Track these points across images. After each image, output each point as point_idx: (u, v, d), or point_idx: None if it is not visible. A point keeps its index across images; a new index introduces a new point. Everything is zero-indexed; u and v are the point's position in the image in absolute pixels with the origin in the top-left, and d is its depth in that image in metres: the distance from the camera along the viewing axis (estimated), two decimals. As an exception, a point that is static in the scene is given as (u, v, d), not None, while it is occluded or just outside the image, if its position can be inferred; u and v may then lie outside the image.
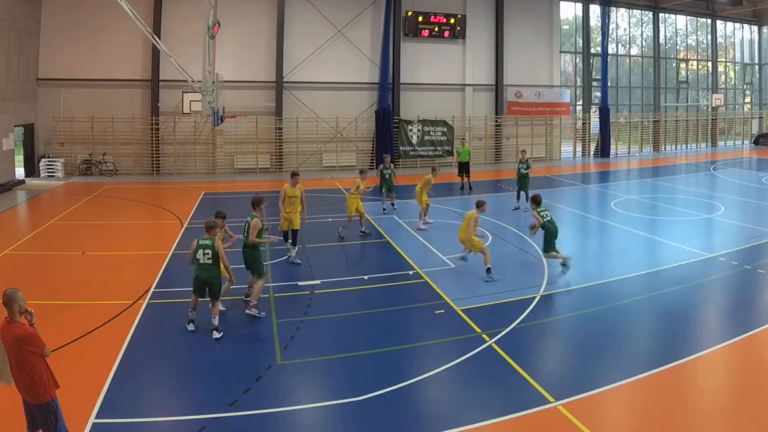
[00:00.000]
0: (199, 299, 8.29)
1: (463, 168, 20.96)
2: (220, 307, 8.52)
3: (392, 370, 7.15)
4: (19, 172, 22.50)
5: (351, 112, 26.53)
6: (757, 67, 40.19)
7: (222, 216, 9.15)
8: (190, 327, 8.25)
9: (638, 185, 22.97)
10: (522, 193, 16.92)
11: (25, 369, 4.78)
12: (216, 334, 8.03)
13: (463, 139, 24.95)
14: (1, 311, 4.93)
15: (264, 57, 25.23)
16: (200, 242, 8.18)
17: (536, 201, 11.35)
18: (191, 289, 8.29)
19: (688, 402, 6.51)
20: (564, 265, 11.01)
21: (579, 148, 32.41)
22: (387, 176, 16.68)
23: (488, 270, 10.54)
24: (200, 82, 16.26)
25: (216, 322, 8.12)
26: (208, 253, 8.08)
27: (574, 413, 6.10)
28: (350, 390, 6.64)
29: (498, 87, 29.30)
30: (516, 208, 16.91)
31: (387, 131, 26.49)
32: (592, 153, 32.42)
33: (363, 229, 14.02)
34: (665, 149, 35.34)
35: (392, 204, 16.83)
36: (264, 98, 25.30)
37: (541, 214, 10.98)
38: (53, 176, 22.70)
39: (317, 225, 14.54)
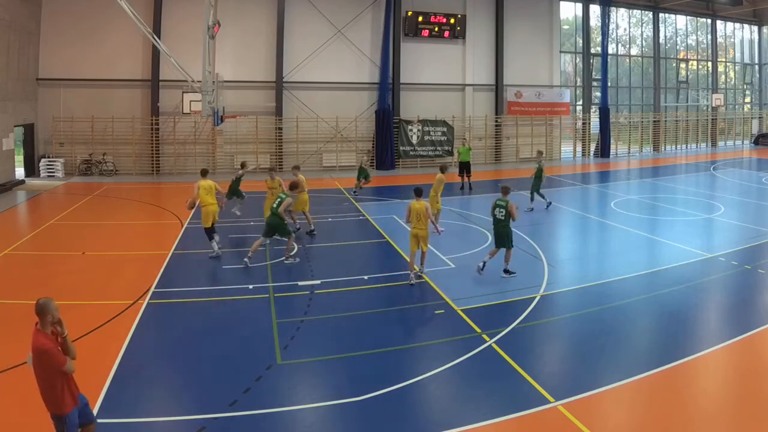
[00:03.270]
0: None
1: (464, 168, 20.99)
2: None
3: (392, 370, 7.15)
4: (19, 172, 22.49)
5: (351, 112, 26.53)
6: (757, 67, 40.19)
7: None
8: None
9: (638, 185, 22.96)
10: (534, 193, 17.19)
11: (41, 378, 4.77)
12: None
13: (465, 139, 24.93)
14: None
15: (264, 57, 25.22)
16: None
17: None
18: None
19: (688, 402, 6.51)
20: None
21: (579, 148, 32.41)
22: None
23: None
24: (200, 82, 16.26)
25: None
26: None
27: (574, 413, 6.10)
28: (350, 390, 6.63)
29: (498, 87, 29.29)
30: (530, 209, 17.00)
31: (387, 131, 26.50)
32: (592, 153, 32.40)
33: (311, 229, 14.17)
34: (665, 149, 35.32)
35: None
36: (264, 98, 25.30)
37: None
38: (53, 176, 22.69)
39: (317, 225, 14.52)
